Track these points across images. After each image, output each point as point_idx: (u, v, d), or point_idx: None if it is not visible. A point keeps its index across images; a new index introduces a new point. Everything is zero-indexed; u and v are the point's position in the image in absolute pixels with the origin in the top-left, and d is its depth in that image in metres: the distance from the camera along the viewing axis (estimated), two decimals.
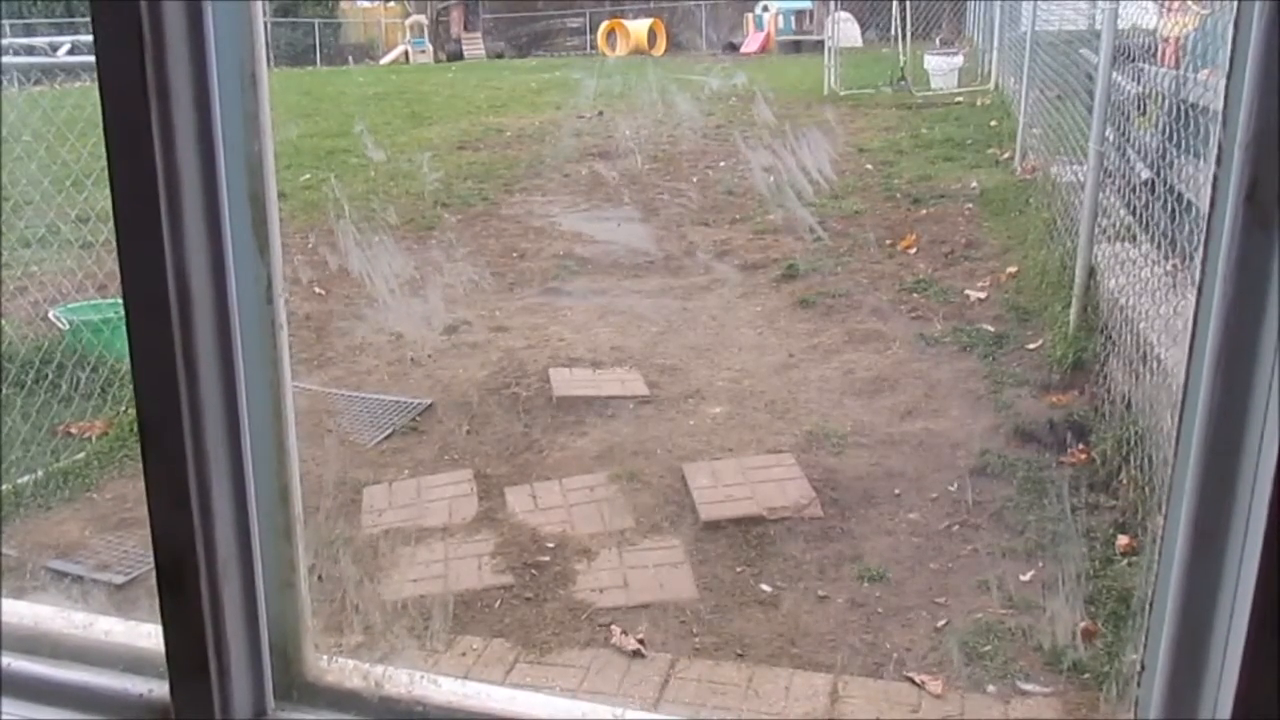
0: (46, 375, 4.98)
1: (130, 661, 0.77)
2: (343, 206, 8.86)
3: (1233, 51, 0.53)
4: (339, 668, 0.76)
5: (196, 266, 0.64)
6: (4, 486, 4.33)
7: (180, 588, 0.68)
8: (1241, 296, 0.53)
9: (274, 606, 0.74)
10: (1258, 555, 0.56)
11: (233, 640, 0.70)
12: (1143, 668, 0.61)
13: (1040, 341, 5.42)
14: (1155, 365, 3.91)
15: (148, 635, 0.77)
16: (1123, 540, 3.60)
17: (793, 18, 25.71)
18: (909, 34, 16.35)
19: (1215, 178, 0.53)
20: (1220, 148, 0.52)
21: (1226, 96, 0.53)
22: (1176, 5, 5.93)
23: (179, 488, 0.66)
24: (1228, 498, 0.59)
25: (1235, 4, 0.54)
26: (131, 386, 0.65)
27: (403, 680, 0.75)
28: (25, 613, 0.81)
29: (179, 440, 0.66)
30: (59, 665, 0.78)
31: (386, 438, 4.79)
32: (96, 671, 0.78)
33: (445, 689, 0.75)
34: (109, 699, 0.77)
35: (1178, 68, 5.01)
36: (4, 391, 4.93)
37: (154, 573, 0.66)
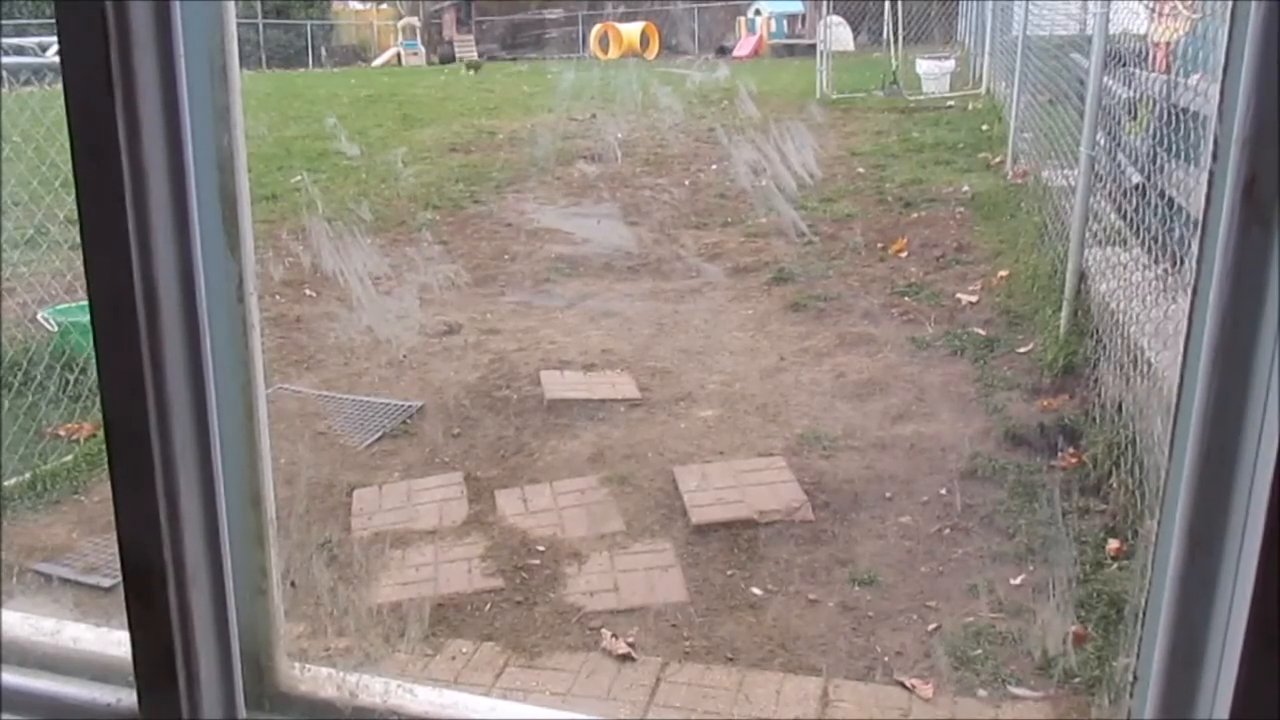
0: (35, 377, 4.95)
1: (99, 670, 0.76)
2: (333, 209, 8.83)
3: (1229, 46, 0.51)
4: (312, 676, 0.74)
5: (164, 264, 0.62)
6: None
7: (148, 595, 0.66)
8: (1239, 294, 0.52)
9: (245, 614, 0.73)
10: (1254, 562, 0.55)
11: (202, 648, 0.68)
12: (1136, 677, 0.60)
13: (1031, 345, 5.42)
14: (1146, 369, 3.91)
15: (117, 643, 0.75)
16: (1113, 544, 3.59)
17: (785, 21, 25.76)
18: (901, 38, 16.38)
19: (1211, 175, 0.52)
20: (1217, 144, 0.51)
21: (1223, 92, 0.52)
22: (1167, 10, 5.95)
23: (146, 493, 0.64)
24: (1223, 503, 0.57)
25: (1230, 1, 0.53)
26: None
27: (378, 689, 0.73)
28: (2, 622, 0.79)
29: (146, 444, 0.64)
30: (26, 674, 0.76)
31: (377, 440, 4.77)
32: (65, 680, 0.76)
33: (422, 698, 0.73)
34: (77, 708, 0.75)
35: (1168, 72, 5.01)
36: None
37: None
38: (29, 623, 0.79)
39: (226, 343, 0.68)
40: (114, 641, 0.76)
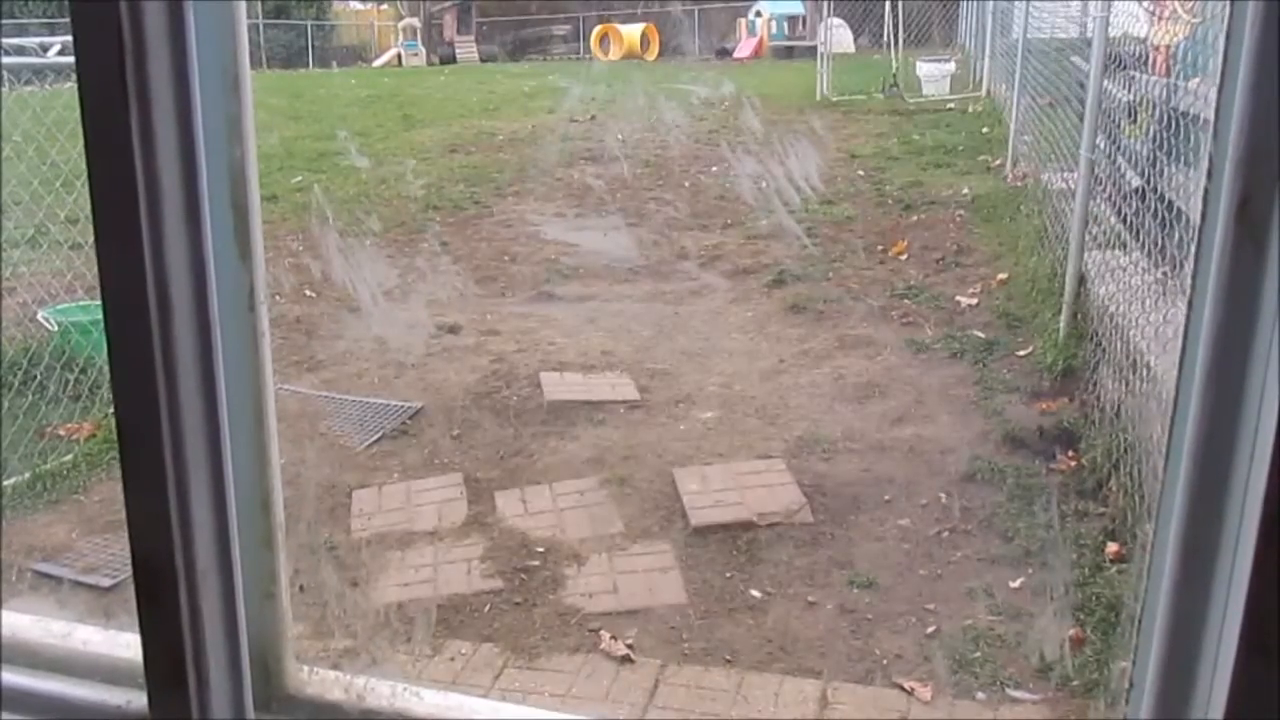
0: (34, 377, 4.95)
1: (108, 672, 0.76)
2: (334, 210, 8.84)
3: (1224, 63, 0.52)
4: (320, 679, 0.75)
5: (177, 273, 0.63)
6: None
7: (158, 598, 0.67)
8: (1232, 311, 0.53)
9: (254, 617, 0.73)
10: (1248, 569, 0.56)
11: (212, 651, 0.69)
12: (1132, 683, 0.60)
13: (1030, 348, 5.43)
14: (1145, 373, 3.92)
15: (126, 645, 0.76)
16: (1112, 547, 3.60)
17: (785, 23, 25.76)
18: (901, 40, 16.40)
19: (1206, 191, 0.53)
20: (1211, 161, 0.52)
21: (1218, 109, 0.53)
22: (1167, 13, 5.96)
23: (158, 497, 0.65)
24: (1218, 510, 0.58)
25: (1226, 14, 0.54)
26: None
27: (385, 692, 0.74)
28: (2, 621, 0.80)
29: (158, 449, 0.65)
30: (36, 675, 0.77)
31: (376, 441, 4.77)
32: (75, 682, 0.77)
33: (428, 701, 0.74)
34: (88, 710, 0.76)
35: (1168, 75, 5.02)
36: None
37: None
38: (40, 625, 0.80)
39: (237, 350, 0.69)
40: (124, 644, 0.77)
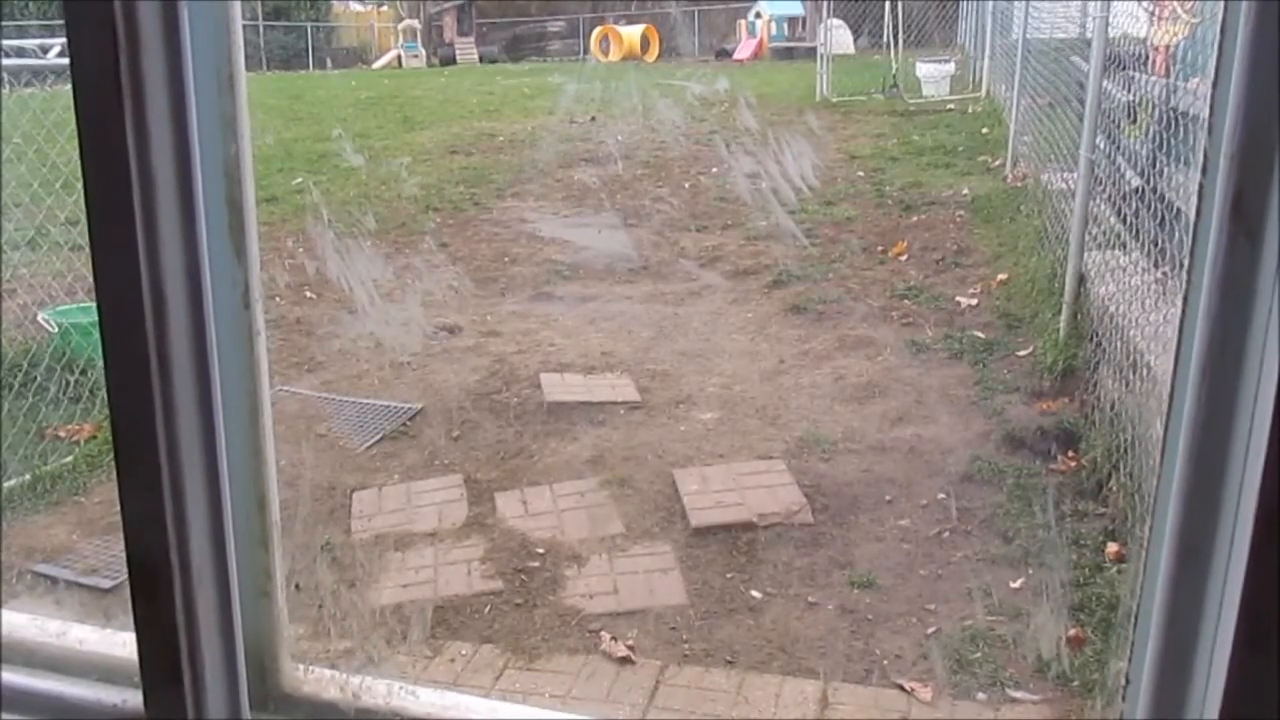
0: (35, 378, 4.95)
1: (105, 671, 0.76)
2: (334, 211, 8.85)
3: (1219, 59, 0.52)
4: (316, 678, 0.75)
5: (171, 271, 0.63)
6: None
7: (154, 597, 0.67)
8: (1227, 306, 0.53)
9: (250, 616, 0.73)
10: (1243, 567, 0.56)
11: (207, 650, 0.69)
12: (1128, 680, 0.60)
13: (1030, 348, 5.42)
14: (1145, 373, 3.92)
15: (122, 644, 0.76)
16: (1112, 548, 3.60)
17: (785, 24, 25.77)
18: (901, 41, 16.40)
19: (1201, 187, 0.53)
20: (1206, 157, 0.52)
21: (1213, 105, 0.53)
22: (1167, 13, 5.96)
23: (153, 495, 0.65)
24: (1213, 508, 0.58)
25: (1222, 12, 0.54)
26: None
27: (381, 691, 0.74)
28: (1, 621, 0.80)
29: (153, 447, 0.65)
30: (32, 674, 0.77)
31: (376, 442, 4.77)
32: (71, 681, 0.77)
33: (424, 700, 0.74)
34: (83, 709, 0.76)
35: (1168, 76, 5.02)
36: None
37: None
38: (35, 624, 0.80)
39: (232, 348, 0.69)
40: (119, 643, 0.77)
